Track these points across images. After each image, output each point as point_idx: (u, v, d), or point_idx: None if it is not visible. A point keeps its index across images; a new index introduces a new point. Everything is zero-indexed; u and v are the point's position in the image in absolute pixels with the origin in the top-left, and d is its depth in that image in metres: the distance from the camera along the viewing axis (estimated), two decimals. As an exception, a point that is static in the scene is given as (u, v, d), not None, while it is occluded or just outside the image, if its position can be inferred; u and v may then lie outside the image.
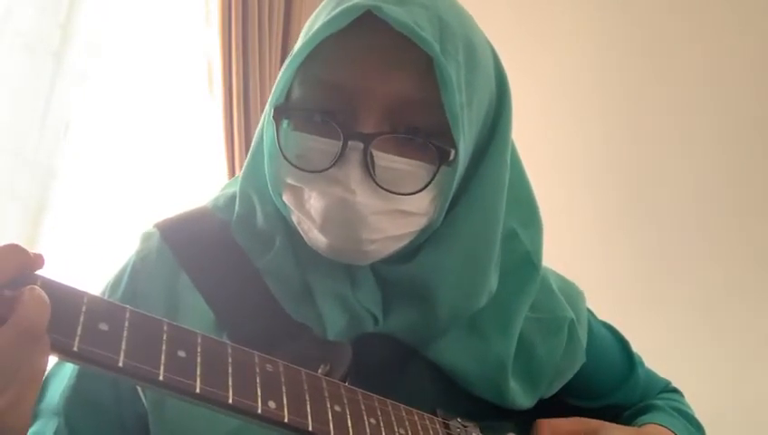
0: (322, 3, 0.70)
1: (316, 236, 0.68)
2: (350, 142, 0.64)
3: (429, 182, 0.65)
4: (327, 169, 0.65)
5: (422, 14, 0.65)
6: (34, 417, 0.70)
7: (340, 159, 0.64)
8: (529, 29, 2.33)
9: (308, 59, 0.67)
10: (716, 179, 2.07)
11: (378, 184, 0.64)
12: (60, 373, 0.73)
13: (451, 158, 0.66)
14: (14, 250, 0.47)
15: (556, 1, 2.36)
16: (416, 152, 0.66)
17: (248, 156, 0.73)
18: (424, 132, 0.66)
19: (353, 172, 0.64)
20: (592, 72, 2.29)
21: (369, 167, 0.64)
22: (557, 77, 2.30)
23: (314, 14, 0.71)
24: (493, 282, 0.73)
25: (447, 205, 0.69)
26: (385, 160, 0.65)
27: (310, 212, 0.67)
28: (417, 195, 0.66)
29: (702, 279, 2.04)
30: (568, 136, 2.28)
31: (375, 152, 0.64)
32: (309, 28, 0.69)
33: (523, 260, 0.76)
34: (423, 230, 0.69)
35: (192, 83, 2.51)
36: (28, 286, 0.46)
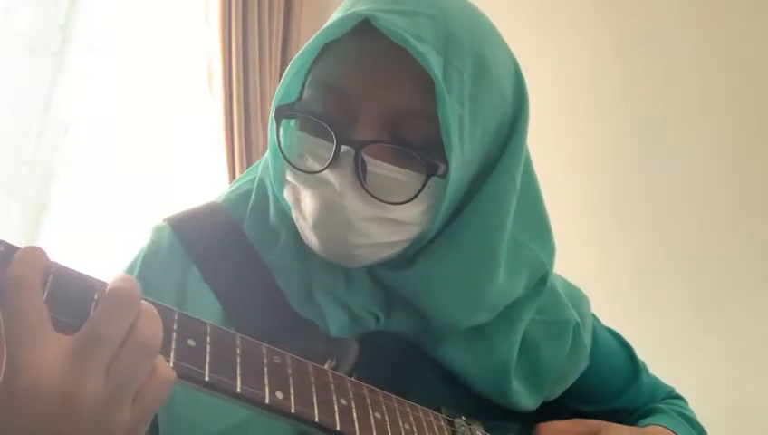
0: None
1: (308, 235, 0.68)
2: (342, 147, 0.64)
3: (417, 193, 0.65)
4: (320, 172, 0.65)
5: (427, 26, 0.64)
6: None
7: (332, 162, 0.64)
8: (531, 21, 2.33)
9: (317, 60, 0.68)
10: (714, 178, 2.07)
11: (366, 190, 0.64)
12: None
13: (440, 172, 0.65)
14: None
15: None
16: (408, 162, 0.65)
17: (269, 147, 0.73)
18: (417, 144, 0.65)
19: (344, 176, 0.64)
20: (590, 71, 2.29)
21: (359, 172, 0.64)
22: (558, 75, 2.30)
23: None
24: (494, 298, 0.72)
25: (445, 215, 0.69)
26: (376, 167, 0.65)
27: (304, 211, 0.68)
28: (406, 204, 0.65)
29: (698, 279, 2.04)
30: (565, 134, 2.28)
31: (367, 158, 0.64)
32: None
33: (532, 275, 0.76)
34: (416, 239, 0.69)
35: (192, 82, 2.52)
36: (145, 303, 0.49)
